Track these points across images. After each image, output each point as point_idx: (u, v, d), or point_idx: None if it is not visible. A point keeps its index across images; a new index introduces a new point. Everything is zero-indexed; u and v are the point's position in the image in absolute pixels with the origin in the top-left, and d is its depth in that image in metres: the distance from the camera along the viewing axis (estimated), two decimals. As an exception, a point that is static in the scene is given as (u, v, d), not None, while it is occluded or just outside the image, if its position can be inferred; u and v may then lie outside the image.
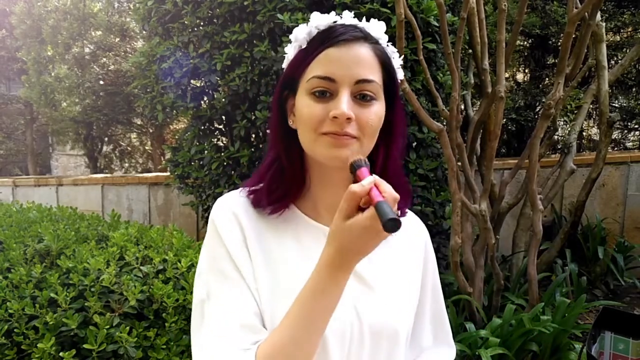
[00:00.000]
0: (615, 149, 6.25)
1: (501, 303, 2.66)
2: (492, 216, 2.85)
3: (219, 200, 0.78)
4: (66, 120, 7.69)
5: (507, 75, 5.13)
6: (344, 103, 0.67)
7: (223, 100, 3.07)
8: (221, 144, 3.36)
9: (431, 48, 2.67)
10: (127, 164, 10.73)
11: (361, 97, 0.69)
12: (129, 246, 1.85)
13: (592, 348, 1.91)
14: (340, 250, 0.62)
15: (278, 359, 0.63)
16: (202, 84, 3.20)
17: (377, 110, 0.70)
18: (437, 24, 2.63)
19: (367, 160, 0.65)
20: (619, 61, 4.16)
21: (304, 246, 0.75)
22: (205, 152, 3.18)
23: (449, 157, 2.33)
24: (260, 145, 3.09)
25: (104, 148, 9.84)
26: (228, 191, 0.90)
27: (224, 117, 3.21)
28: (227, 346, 0.66)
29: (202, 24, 3.06)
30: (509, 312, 2.29)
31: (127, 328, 1.52)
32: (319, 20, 0.72)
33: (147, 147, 10.65)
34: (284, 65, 0.77)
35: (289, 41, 0.76)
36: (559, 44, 4.62)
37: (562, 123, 3.58)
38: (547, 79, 5.66)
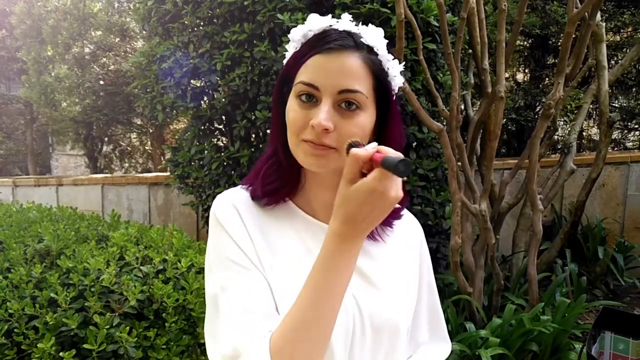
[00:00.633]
0: (615, 149, 6.26)
1: (501, 303, 2.66)
2: (492, 216, 2.85)
3: (219, 195, 0.78)
4: (66, 120, 7.69)
5: (507, 75, 5.12)
6: (323, 113, 0.67)
7: (223, 100, 3.07)
8: (221, 144, 3.37)
9: (431, 48, 2.67)
10: (127, 164, 10.73)
11: (346, 105, 0.69)
12: (129, 246, 1.85)
13: (592, 348, 1.91)
14: (347, 219, 0.60)
15: (290, 344, 0.61)
16: (202, 84, 3.20)
17: (361, 122, 0.69)
18: (437, 24, 2.63)
19: (364, 143, 0.64)
20: (619, 61, 4.17)
21: (304, 240, 0.76)
22: (205, 152, 3.18)
23: (449, 157, 2.33)
24: (260, 145, 3.09)
25: (104, 148, 9.84)
26: None
27: (224, 117, 3.21)
28: (243, 335, 0.64)
29: (202, 24, 3.06)
30: (509, 312, 2.29)
31: (127, 328, 1.52)
32: (315, 23, 0.72)
33: (147, 147, 10.66)
34: (285, 62, 0.78)
35: (289, 41, 0.76)
36: (559, 43, 4.62)
37: (562, 123, 3.58)
38: (547, 78, 5.66)
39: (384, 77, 0.73)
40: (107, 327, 1.50)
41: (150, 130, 9.12)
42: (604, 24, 3.16)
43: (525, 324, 2.15)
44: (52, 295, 1.53)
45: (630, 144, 6.56)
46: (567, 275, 3.00)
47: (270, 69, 2.72)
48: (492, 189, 2.88)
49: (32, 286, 1.62)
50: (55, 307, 1.54)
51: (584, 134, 6.58)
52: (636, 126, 6.15)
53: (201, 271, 1.81)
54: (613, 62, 5.07)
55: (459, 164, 2.51)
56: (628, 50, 4.31)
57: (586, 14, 2.51)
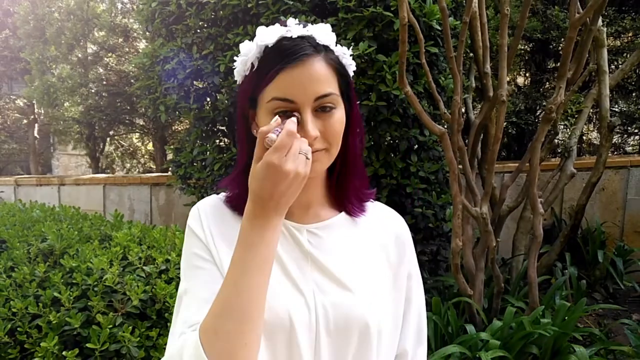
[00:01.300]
0: (616, 153, 6.26)
1: (501, 306, 2.67)
2: (493, 219, 2.86)
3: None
4: (68, 120, 7.73)
5: (508, 78, 5.14)
6: (309, 124, 0.69)
7: (226, 101, 3.08)
8: (223, 145, 3.38)
9: (433, 52, 2.69)
10: (128, 164, 10.75)
11: (322, 109, 0.71)
12: (132, 246, 1.86)
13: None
14: (254, 197, 0.63)
15: (214, 319, 0.63)
16: (205, 86, 3.22)
17: (338, 118, 0.73)
18: (439, 28, 2.64)
19: (299, 117, 0.68)
20: (620, 66, 4.17)
21: None
22: (208, 153, 3.19)
23: (450, 160, 2.34)
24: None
25: (106, 148, 9.87)
26: None
27: (226, 119, 3.23)
28: (190, 329, 0.67)
29: (205, 25, 3.08)
30: (509, 315, 2.30)
31: (130, 328, 1.52)
32: (268, 37, 0.73)
33: (149, 148, 10.67)
34: (237, 78, 0.78)
35: None
36: (560, 48, 4.64)
37: (562, 127, 3.59)
38: (547, 82, 5.67)
39: (345, 71, 0.76)
40: (110, 326, 1.51)
41: (153, 131, 9.14)
42: (605, 29, 3.18)
43: (526, 327, 2.16)
44: (56, 294, 1.54)
45: (630, 148, 6.56)
46: (567, 279, 3.00)
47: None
48: (493, 192, 2.89)
49: (36, 285, 1.63)
50: (58, 306, 1.55)
51: (585, 138, 6.59)
52: (636, 130, 6.16)
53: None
54: (613, 66, 5.07)
55: (460, 167, 2.52)
56: (628, 55, 4.33)
57: (588, 19, 2.53)
